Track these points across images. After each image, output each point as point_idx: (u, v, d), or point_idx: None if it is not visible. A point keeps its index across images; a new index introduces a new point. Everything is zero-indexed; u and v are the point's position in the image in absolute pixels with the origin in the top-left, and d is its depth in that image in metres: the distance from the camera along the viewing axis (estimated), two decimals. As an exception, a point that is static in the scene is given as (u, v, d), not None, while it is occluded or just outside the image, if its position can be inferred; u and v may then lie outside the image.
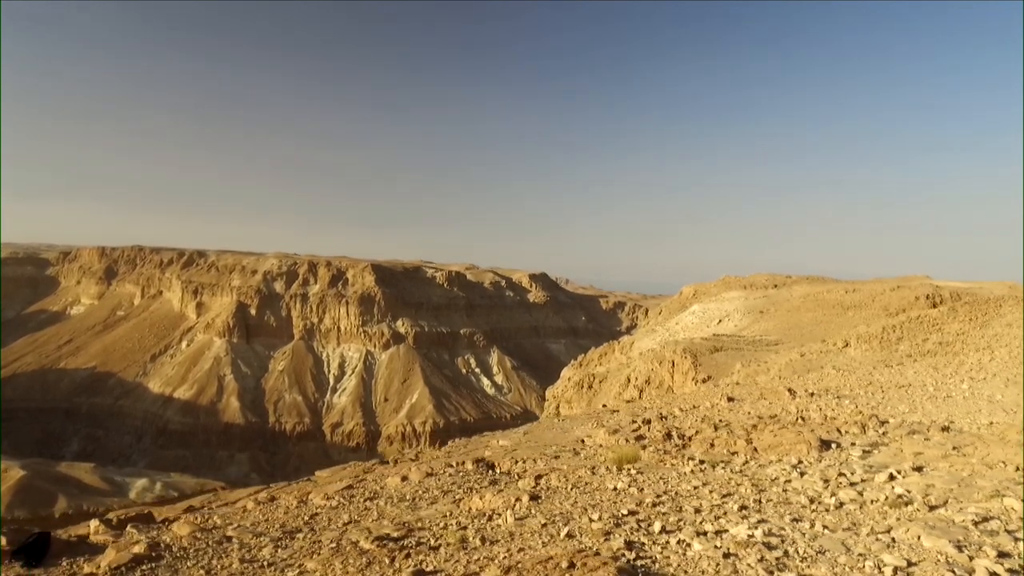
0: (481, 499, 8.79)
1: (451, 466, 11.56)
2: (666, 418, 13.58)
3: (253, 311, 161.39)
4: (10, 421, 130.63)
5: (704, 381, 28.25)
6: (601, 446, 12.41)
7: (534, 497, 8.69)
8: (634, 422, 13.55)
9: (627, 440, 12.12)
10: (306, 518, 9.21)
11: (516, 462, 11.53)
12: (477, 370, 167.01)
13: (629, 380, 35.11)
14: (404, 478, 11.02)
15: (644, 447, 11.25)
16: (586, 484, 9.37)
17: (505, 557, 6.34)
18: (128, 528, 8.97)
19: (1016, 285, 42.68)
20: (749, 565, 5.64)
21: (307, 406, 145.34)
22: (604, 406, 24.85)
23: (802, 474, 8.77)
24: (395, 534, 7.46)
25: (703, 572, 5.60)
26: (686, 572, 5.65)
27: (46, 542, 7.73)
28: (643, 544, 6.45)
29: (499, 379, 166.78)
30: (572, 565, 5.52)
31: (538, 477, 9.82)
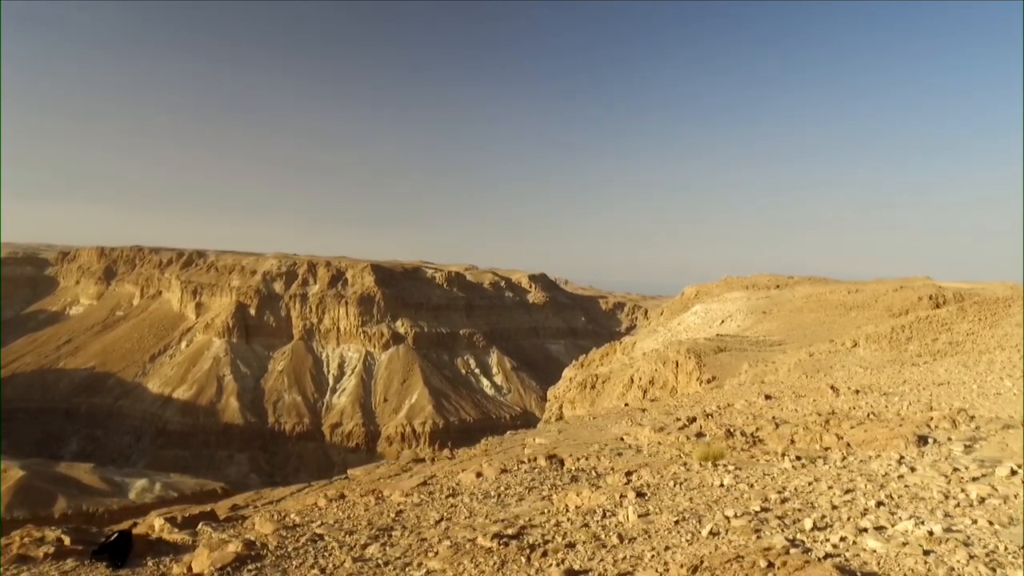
0: (578, 495, 8.58)
1: (523, 462, 11.37)
2: (711, 416, 13.30)
3: (252, 311, 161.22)
4: (9, 421, 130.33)
5: (709, 381, 28.21)
6: (659, 444, 12.06)
7: (640, 494, 8.42)
8: (678, 420, 13.32)
9: (687, 437, 11.79)
10: (392, 515, 9.03)
11: (577, 459, 11.32)
12: (477, 371, 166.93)
13: (633, 380, 35.05)
14: (479, 475, 10.87)
15: (708, 444, 10.99)
16: (685, 481, 9.05)
17: (655, 556, 6.10)
18: (201, 526, 8.79)
19: (1016, 286, 42.69)
20: (960, 562, 5.36)
21: (306, 406, 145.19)
22: (626, 405, 24.74)
23: (912, 469, 8.49)
24: (508, 531, 7.25)
25: (911, 571, 5.34)
26: (891, 572, 5.39)
27: (128, 541, 7.56)
28: (804, 542, 6.10)
29: (499, 379, 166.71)
30: (771, 565, 5.22)
31: (628, 473, 9.53)
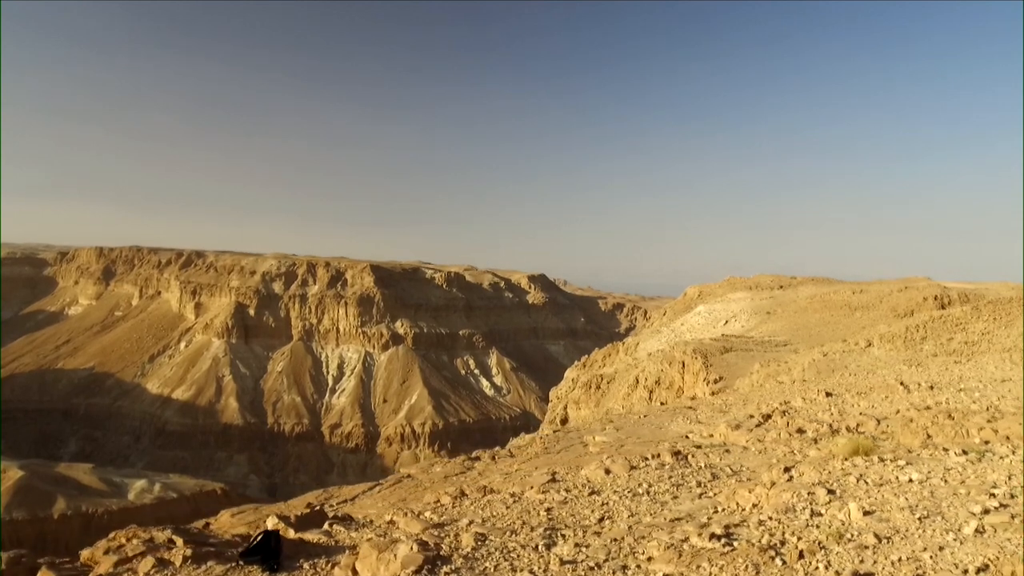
0: (751, 492, 8.06)
1: (647, 459, 10.93)
2: (787, 413, 12.93)
3: (252, 312, 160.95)
4: (8, 422, 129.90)
5: (716, 382, 28.14)
6: (758, 441, 11.51)
7: (830, 491, 7.89)
8: (751, 417, 12.98)
9: (789, 434, 11.30)
10: (542, 514, 8.56)
11: (690, 456, 10.90)
12: (476, 371, 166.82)
13: (638, 381, 34.99)
14: (607, 471, 10.42)
15: (815, 440, 10.57)
16: (861, 477, 8.37)
17: (934, 556, 5.73)
18: (334, 527, 8.33)
19: (1017, 286, 42.69)
20: None
21: (306, 407, 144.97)
22: (662, 404, 24.50)
23: None
24: (714, 530, 6.81)
25: None
26: None
27: (279, 542, 7.08)
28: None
29: (498, 380, 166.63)
30: None
31: (787, 469, 8.89)
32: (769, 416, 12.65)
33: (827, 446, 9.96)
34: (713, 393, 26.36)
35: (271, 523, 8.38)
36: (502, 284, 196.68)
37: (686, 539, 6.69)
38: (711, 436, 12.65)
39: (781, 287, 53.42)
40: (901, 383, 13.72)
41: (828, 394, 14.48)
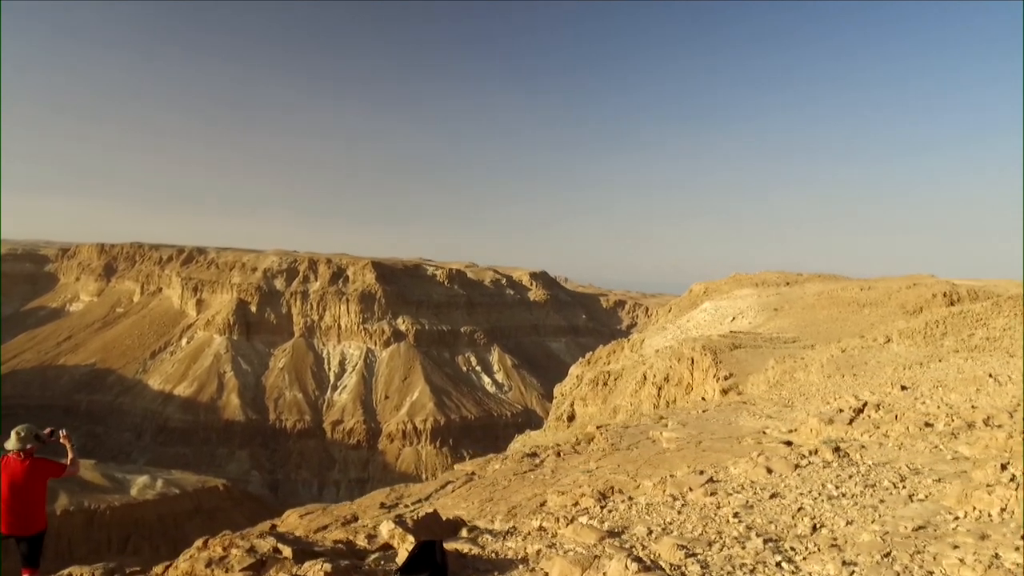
0: (989, 494, 6.95)
1: (804, 456, 10.05)
2: (881, 407, 12.20)
3: (253, 308, 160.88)
4: (9, 418, 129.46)
5: (726, 378, 27.91)
6: (866, 440, 10.66)
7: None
8: (841, 411, 12.34)
9: (918, 428, 10.54)
10: (731, 520, 7.49)
11: (851, 453, 10.07)
12: (478, 368, 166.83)
13: (646, 377, 34.77)
14: (769, 470, 9.53)
15: (954, 435, 9.83)
16: None
17: None
18: (479, 536, 7.59)
19: (1019, 283, 42.52)
20: None
21: (307, 403, 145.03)
22: (702, 399, 24.19)
23: None
24: (1018, 543, 5.81)
25: None
26: None
27: (444, 555, 6.16)
28: None
29: (499, 377, 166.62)
30: None
31: (1003, 467, 7.78)
32: (860, 410, 12.01)
33: (981, 441, 9.19)
34: (724, 391, 26.16)
35: (386, 529, 7.62)
36: (503, 281, 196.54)
37: (996, 554, 5.58)
38: (794, 432, 12.07)
39: (788, 284, 53.24)
40: (990, 375, 13.25)
41: (903, 387, 14.05)
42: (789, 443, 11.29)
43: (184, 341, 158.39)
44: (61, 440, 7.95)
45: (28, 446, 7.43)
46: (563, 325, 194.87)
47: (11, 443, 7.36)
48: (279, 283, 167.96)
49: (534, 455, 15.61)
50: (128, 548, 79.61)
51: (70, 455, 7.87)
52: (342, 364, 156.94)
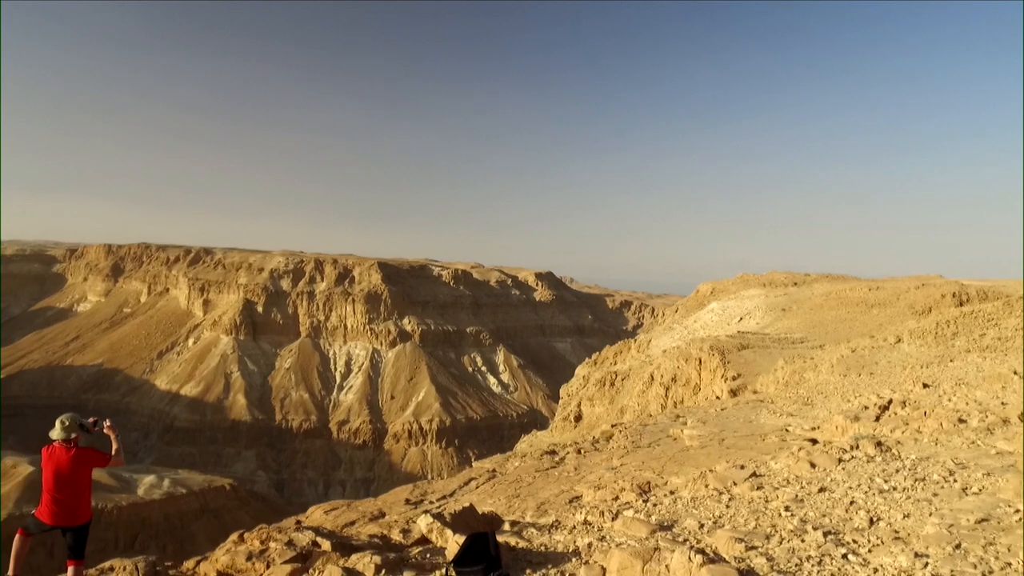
0: None
1: (845, 450, 9.89)
2: (906, 403, 12.19)
3: (260, 309, 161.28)
4: (17, 417, 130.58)
5: (734, 379, 27.78)
6: (900, 436, 10.50)
7: None
8: (866, 408, 12.22)
9: (953, 424, 10.39)
10: (783, 514, 7.41)
11: (894, 448, 9.94)
12: (483, 368, 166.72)
13: (653, 378, 34.65)
14: (812, 464, 9.48)
15: (990, 431, 9.61)
16: None
17: None
18: (525, 529, 7.48)
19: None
20: None
21: (314, 403, 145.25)
22: (715, 397, 24.04)
23: None
24: None
25: None
26: None
27: (498, 547, 5.98)
28: None
29: (505, 377, 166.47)
30: None
31: None
32: (885, 408, 11.87)
33: (1019, 436, 9.08)
34: (733, 391, 26.02)
35: (424, 523, 7.47)
36: (509, 282, 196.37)
37: None
38: (817, 429, 11.95)
39: (795, 284, 52.96)
40: (1015, 373, 13.08)
41: (925, 385, 13.88)
42: (814, 440, 11.15)
43: (191, 341, 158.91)
44: (105, 430, 7.77)
45: (73, 435, 7.34)
46: (569, 325, 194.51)
47: (56, 432, 7.30)
48: (285, 283, 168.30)
49: (553, 452, 15.53)
50: (135, 547, 79.84)
51: (115, 445, 7.73)
52: (348, 364, 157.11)
